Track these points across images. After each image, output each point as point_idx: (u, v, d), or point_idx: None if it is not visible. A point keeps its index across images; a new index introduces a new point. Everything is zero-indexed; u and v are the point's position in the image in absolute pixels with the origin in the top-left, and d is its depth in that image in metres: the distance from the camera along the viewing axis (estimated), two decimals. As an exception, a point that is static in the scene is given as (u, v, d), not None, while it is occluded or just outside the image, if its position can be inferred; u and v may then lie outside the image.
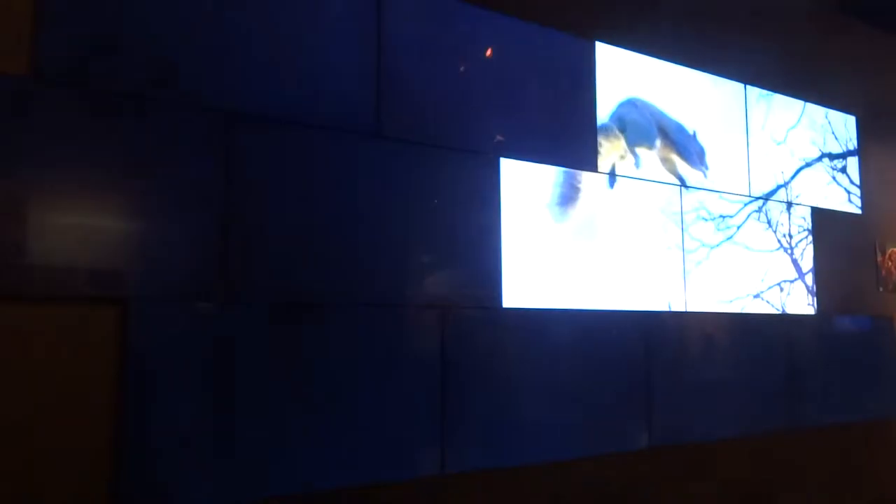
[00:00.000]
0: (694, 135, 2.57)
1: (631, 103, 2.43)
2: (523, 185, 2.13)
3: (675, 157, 2.53)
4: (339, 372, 1.77)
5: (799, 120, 2.96)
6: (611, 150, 2.35)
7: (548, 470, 2.11)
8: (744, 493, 2.63)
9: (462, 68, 2.06)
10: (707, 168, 2.61)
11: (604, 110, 2.34)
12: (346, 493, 1.77)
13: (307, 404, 1.71)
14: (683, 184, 2.55)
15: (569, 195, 2.25)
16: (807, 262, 2.91)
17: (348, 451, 1.76)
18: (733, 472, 2.60)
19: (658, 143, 2.47)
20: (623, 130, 2.39)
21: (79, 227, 1.50)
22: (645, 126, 2.46)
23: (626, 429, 2.30)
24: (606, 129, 2.35)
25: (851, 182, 3.14)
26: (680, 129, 2.56)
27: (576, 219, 2.25)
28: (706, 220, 2.59)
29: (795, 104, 2.97)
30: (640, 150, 2.43)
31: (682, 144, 2.56)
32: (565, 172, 2.25)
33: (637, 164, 2.42)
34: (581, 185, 2.28)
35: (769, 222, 2.79)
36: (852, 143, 3.16)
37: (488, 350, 2.02)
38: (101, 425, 1.49)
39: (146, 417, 1.52)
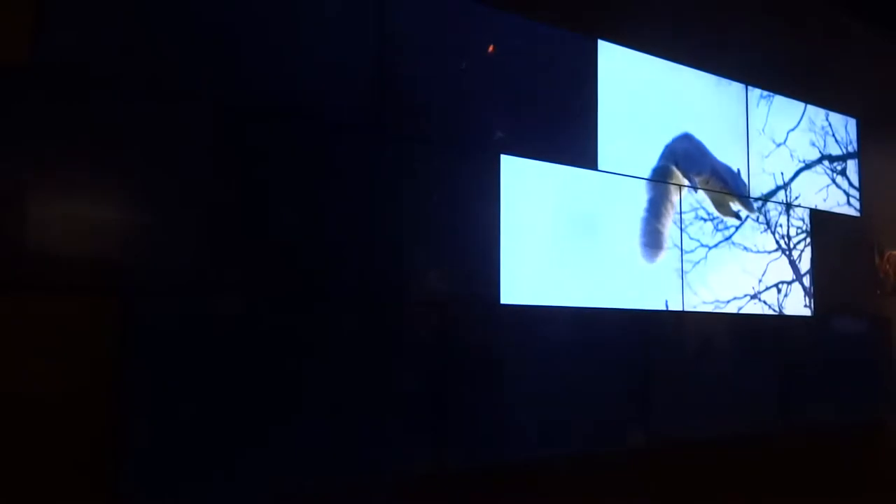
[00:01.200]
0: (738, 172, 2.65)
1: (685, 136, 2.49)
2: (523, 181, 2.14)
3: (727, 198, 2.65)
4: (338, 367, 1.77)
5: (799, 122, 2.97)
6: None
7: (545, 466, 2.12)
8: (739, 493, 2.64)
9: (463, 65, 2.06)
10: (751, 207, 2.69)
11: (608, 111, 2.34)
12: (343, 490, 1.78)
13: (305, 400, 1.72)
14: (740, 220, 2.64)
15: (656, 242, 2.42)
16: (805, 264, 2.91)
17: (346, 447, 1.77)
18: (729, 472, 2.61)
19: (709, 173, 2.57)
20: (677, 162, 2.46)
21: (79, 219, 1.50)
22: (696, 155, 2.57)
23: (623, 426, 2.30)
24: (663, 169, 2.45)
25: (851, 184, 3.14)
26: (727, 168, 2.66)
27: (574, 216, 2.25)
28: (705, 220, 2.59)
29: (796, 106, 2.97)
30: (694, 177, 2.50)
31: (734, 183, 2.68)
32: (647, 220, 2.38)
33: (694, 189, 2.48)
34: (665, 231, 2.43)
35: (768, 223, 2.80)
36: (852, 146, 3.16)
37: (486, 347, 2.03)
38: (100, 418, 1.50)
39: (146, 411, 1.53)
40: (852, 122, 3.18)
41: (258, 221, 1.71)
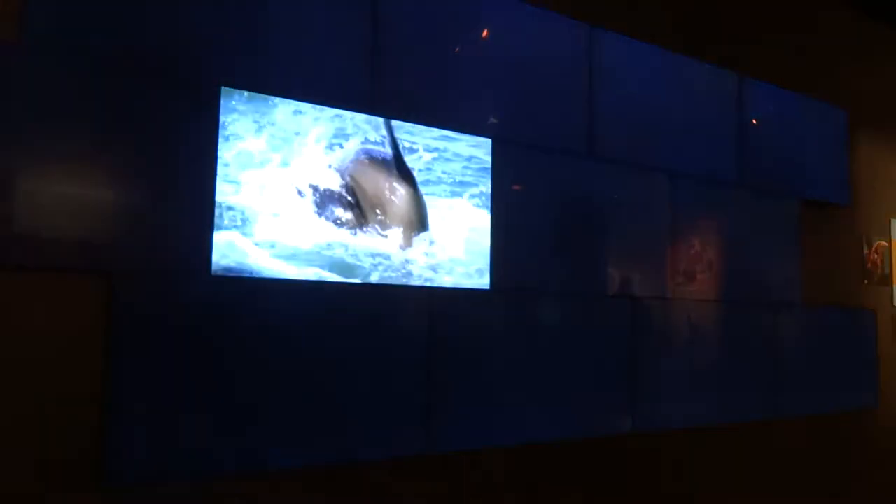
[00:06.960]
0: None
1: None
2: (516, 167, 2.14)
3: None
4: (325, 349, 1.77)
5: (789, 112, 2.97)
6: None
7: (531, 451, 2.14)
8: (721, 480, 2.66)
9: (458, 48, 2.05)
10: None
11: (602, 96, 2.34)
12: (331, 471, 1.79)
13: (292, 380, 1.72)
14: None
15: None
16: (794, 253, 2.92)
17: (334, 429, 1.77)
18: (713, 459, 2.64)
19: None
20: None
21: (67, 197, 1.49)
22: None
23: (610, 413, 2.32)
24: None
25: (840, 175, 3.15)
26: None
27: (565, 205, 2.26)
28: (695, 208, 2.60)
29: (789, 96, 2.97)
30: None
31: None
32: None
33: None
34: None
35: (757, 212, 2.81)
36: (842, 136, 3.16)
37: (475, 332, 2.04)
38: (84, 395, 1.50)
39: (130, 389, 1.53)
40: (842, 113, 3.17)
41: (242, 200, 1.70)
